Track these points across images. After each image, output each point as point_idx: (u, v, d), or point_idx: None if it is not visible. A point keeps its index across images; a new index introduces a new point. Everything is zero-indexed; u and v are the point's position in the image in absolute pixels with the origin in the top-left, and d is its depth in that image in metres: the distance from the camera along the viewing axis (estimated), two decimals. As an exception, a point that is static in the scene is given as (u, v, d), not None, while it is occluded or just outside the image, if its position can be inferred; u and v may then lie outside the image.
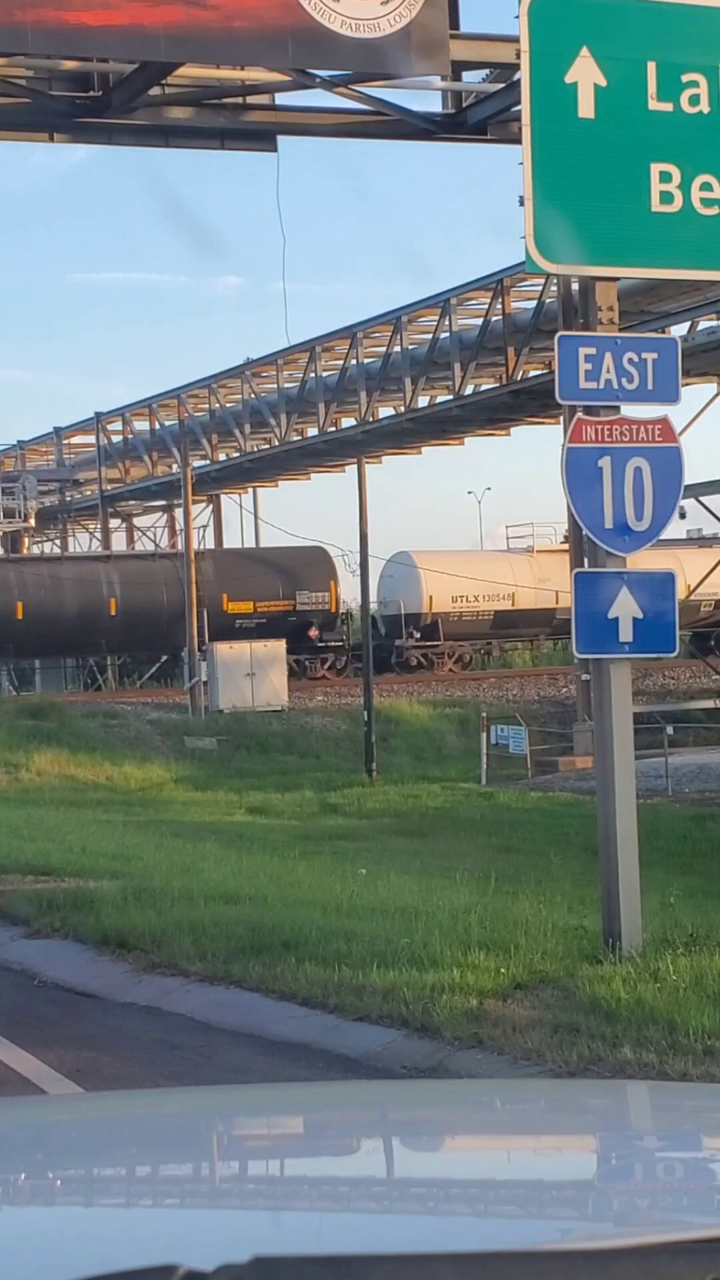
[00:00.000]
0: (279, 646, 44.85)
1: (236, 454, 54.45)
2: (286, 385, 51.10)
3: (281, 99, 23.44)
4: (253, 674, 43.56)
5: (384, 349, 46.81)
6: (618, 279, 10.14)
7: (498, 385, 44.48)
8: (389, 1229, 1.71)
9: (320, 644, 49.47)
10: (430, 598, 50.45)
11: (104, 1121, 2.46)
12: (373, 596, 51.56)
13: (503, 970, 9.33)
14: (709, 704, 41.03)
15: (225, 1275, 1.14)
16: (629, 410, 9.71)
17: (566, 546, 39.73)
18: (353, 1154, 2.22)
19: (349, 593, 50.16)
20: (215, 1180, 2.07)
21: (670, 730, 33.65)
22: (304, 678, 48.20)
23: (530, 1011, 8.63)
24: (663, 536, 9.95)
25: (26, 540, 61.33)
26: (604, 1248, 1.32)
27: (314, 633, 49.17)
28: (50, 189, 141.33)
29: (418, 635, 50.56)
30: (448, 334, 44.17)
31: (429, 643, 50.76)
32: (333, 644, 50.14)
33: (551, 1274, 1.22)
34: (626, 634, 9.58)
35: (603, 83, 9.62)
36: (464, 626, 50.80)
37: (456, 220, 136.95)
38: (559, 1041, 7.99)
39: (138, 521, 63.56)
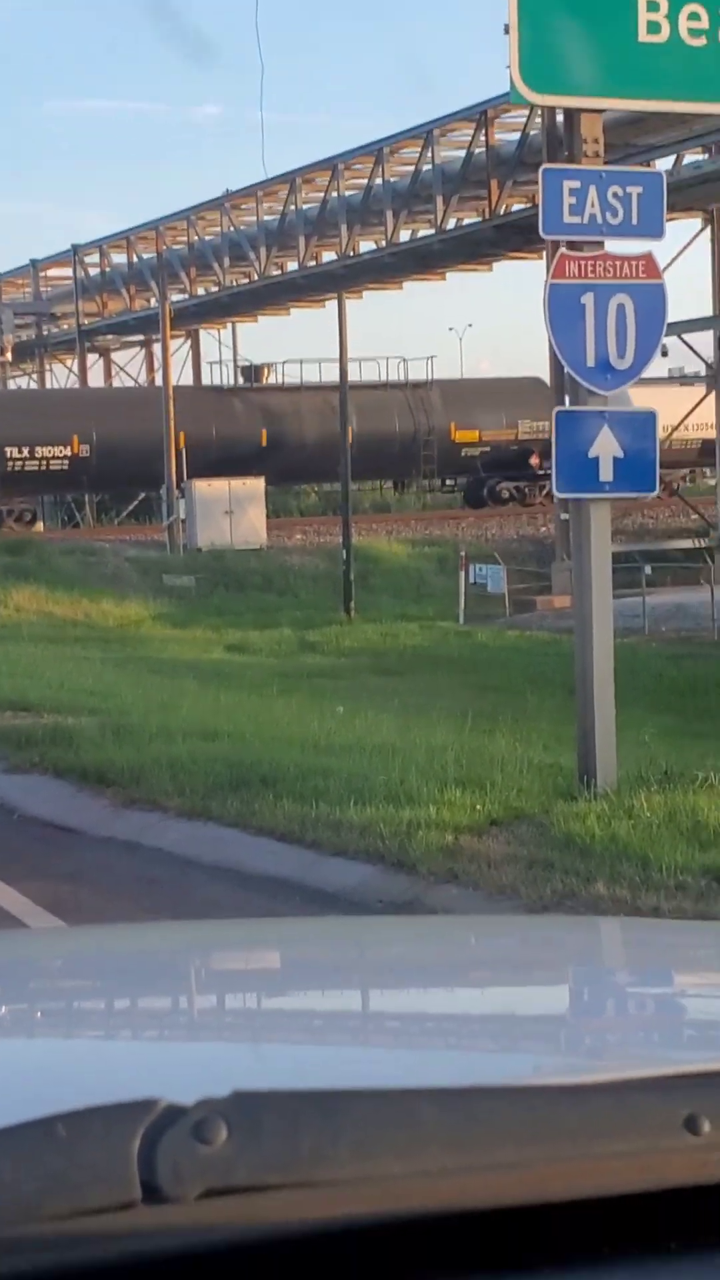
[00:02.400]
0: (258, 484, 44.66)
1: (215, 288, 53.77)
2: (266, 218, 50.34)
3: None
4: (231, 512, 43.42)
5: (366, 181, 46.07)
6: (603, 111, 9.94)
7: (480, 219, 43.87)
8: (367, 1064, 1.73)
9: (541, 471, 50.13)
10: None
11: (84, 955, 2.48)
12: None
13: (479, 807, 9.41)
14: (687, 544, 41.07)
15: (205, 1109, 1.14)
16: (613, 245, 9.58)
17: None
18: (330, 990, 2.24)
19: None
20: (194, 1015, 2.09)
21: (648, 570, 33.70)
22: (521, 504, 49.94)
23: (505, 847, 8.72)
24: (644, 375, 9.89)
25: (5, 372, 60.72)
26: (579, 1083, 1.33)
27: (535, 460, 49.92)
28: (24, 12, 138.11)
29: None
30: (430, 166, 43.45)
31: None
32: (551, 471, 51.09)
33: (529, 1108, 1.23)
34: (607, 473, 9.54)
35: None
36: (671, 455, 50.99)
37: (444, 46, 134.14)
38: (533, 877, 8.09)
39: (115, 356, 62.95)
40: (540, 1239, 1.21)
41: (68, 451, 47.60)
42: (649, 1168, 1.22)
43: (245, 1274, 1.15)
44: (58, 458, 47.66)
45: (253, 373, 54.48)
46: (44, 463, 47.47)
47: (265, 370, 54.22)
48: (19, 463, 46.66)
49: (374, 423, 49.06)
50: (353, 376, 51.38)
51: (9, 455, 46.72)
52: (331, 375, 52.98)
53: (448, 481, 52.13)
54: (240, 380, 53.56)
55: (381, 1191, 1.17)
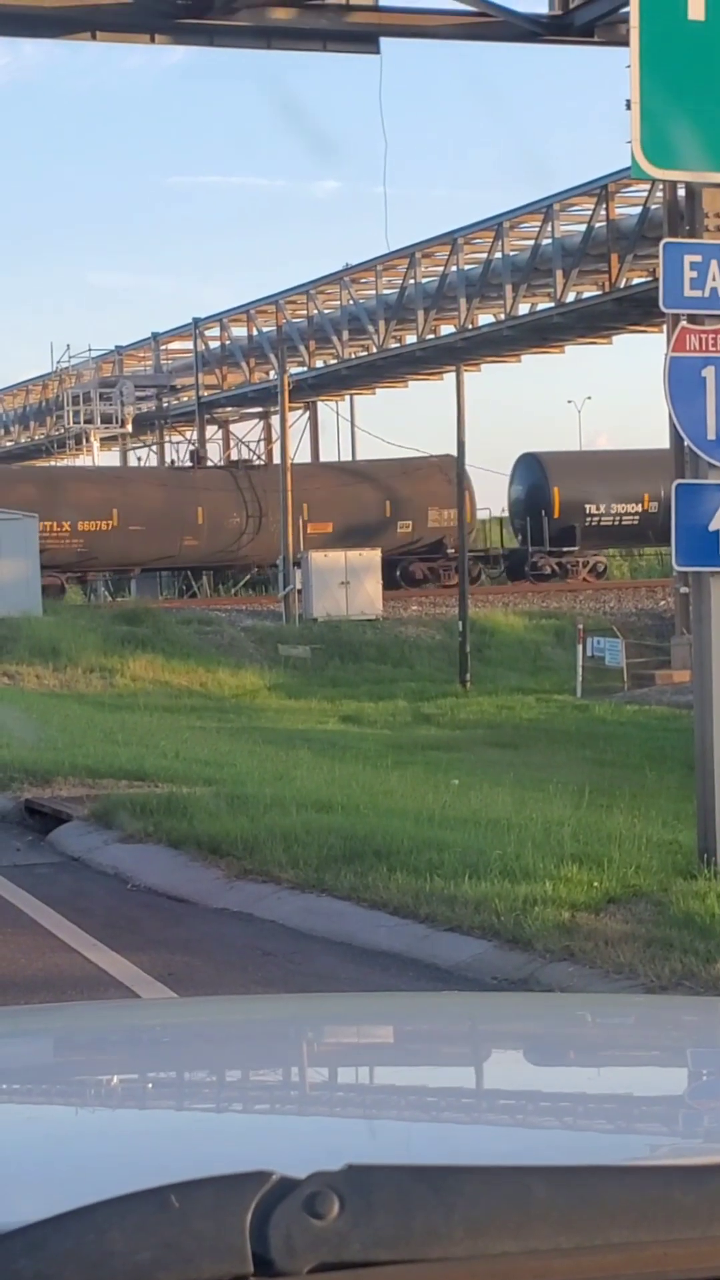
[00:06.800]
0: (373, 555, 44.85)
1: (334, 361, 54.25)
2: (385, 291, 50.78)
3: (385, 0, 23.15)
4: (347, 582, 43.57)
5: (485, 255, 46.34)
6: (725, 185, 9.93)
7: (600, 292, 43.97)
8: (480, 1140, 1.71)
9: None
10: None
11: (196, 1026, 2.48)
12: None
13: (596, 884, 9.32)
14: None
15: (318, 1182, 1.14)
16: (733, 320, 9.55)
17: None
18: (443, 1065, 2.22)
19: None
20: (306, 1088, 2.08)
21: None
22: None
23: (623, 925, 8.63)
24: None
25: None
26: (695, 1164, 1.31)
27: None
28: (149, 91, 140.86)
29: None
30: (550, 240, 43.64)
31: None
32: None
33: (645, 1188, 1.21)
34: (726, 547, 9.45)
35: (713, -18, 9.38)
36: None
37: (564, 123, 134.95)
38: (651, 956, 7.99)
39: (234, 429, 63.62)
40: None
41: (639, 508, 50.74)
42: None
43: None
44: (629, 513, 50.87)
45: None
46: (617, 519, 50.99)
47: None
48: (595, 518, 50.42)
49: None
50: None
51: (588, 511, 50.29)
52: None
53: None
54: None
55: (493, 1269, 1.15)
